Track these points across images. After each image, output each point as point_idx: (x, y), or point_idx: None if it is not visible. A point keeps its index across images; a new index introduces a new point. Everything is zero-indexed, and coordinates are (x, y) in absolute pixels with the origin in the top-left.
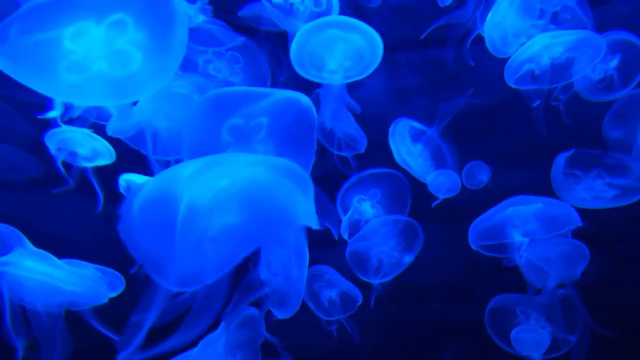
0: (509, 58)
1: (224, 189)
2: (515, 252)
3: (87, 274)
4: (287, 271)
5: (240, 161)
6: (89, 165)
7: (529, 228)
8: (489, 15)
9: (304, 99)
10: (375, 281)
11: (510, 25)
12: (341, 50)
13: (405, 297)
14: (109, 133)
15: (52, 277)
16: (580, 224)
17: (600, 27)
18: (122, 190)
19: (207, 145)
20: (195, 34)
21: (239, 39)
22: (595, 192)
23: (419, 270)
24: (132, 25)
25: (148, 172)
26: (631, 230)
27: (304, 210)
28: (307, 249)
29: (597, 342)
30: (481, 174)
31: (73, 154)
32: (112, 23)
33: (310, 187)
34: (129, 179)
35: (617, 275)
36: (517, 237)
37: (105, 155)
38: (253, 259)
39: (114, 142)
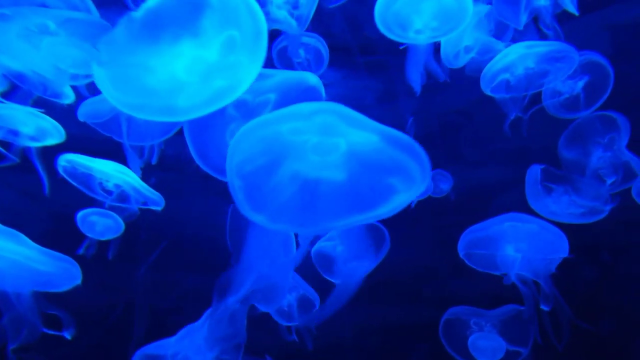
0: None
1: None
2: (507, 267)
3: (60, 256)
4: (273, 261)
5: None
6: (36, 145)
7: (521, 246)
8: None
9: (312, 77)
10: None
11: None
12: (430, 9)
13: (372, 297)
14: (81, 118)
15: (23, 256)
16: (566, 256)
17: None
18: (62, 172)
19: (211, 118)
20: None
21: None
22: (562, 207)
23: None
24: (239, 39)
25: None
26: (616, 237)
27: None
28: (294, 239)
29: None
30: (443, 183)
31: (14, 133)
32: (223, 43)
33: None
34: (72, 159)
35: (602, 282)
36: (509, 251)
37: (54, 134)
38: (236, 252)
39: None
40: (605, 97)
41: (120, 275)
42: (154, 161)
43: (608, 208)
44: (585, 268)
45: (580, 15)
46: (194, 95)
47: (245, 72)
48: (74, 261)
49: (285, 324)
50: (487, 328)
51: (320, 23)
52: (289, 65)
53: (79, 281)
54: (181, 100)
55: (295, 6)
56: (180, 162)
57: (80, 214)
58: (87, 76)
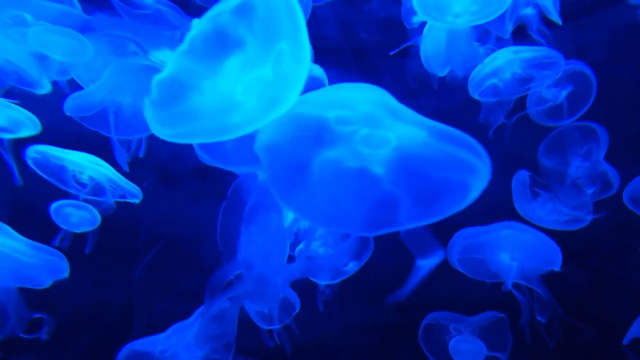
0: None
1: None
2: (502, 275)
3: (47, 248)
4: (266, 260)
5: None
6: (9, 136)
7: (516, 255)
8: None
9: (316, 68)
10: (323, 283)
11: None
12: None
13: (355, 300)
14: (67, 112)
15: (10, 248)
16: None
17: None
18: (31, 164)
19: None
20: (145, 17)
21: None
22: (547, 212)
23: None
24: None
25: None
26: (605, 243)
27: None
28: (287, 237)
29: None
30: None
31: None
32: (275, 58)
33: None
34: (43, 150)
35: (592, 287)
36: (505, 259)
37: (29, 125)
38: (227, 251)
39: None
40: (587, 107)
41: (118, 276)
42: (142, 154)
43: (590, 217)
44: (574, 273)
45: (566, 22)
46: (250, 112)
47: (295, 77)
48: (61, 254)
49: (265, 327)
50: (466, 334)
51: (313, 25)
52: None
53: (66, 274)
54: (236, 118)
55: None
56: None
57: (54, 205)
58: (75, 65)
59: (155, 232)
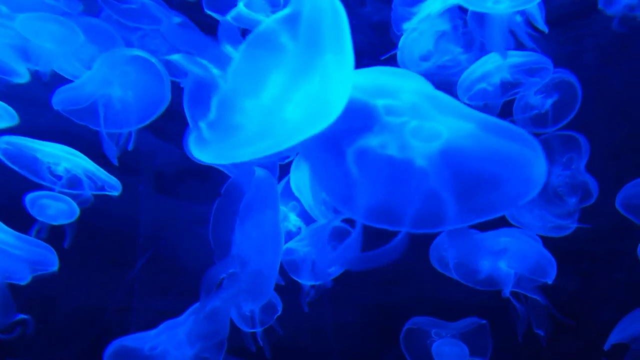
0: None
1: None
2: (503, 282)
3: (35, 241)
4: (261, 256)
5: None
6: None
7: (512, 263)
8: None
9: None
10: (308, 283)
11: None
12: None
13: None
14: (55, 106)
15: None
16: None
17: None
18: (1, 155)
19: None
20: (128, 10)
21: (176, 18)
22: (534, 218)
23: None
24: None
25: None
26: (597, 247)
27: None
28: (282, 233)
29: None
30: None
31: None
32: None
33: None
34: (15, 141)
35: (583, 292)
36: (503, 266)
37: (5, 117)
38: (219, 249)
39: None
40: (572, 116)
41: (116, 277)
42: (130, 147)
43: (574, 225)
44: (566, 276)
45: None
46: (297, 127)
47: (341, 87)
48: (50, 247)
49: (246, 329)
50: (448, 338)
51: None
52: None
53: (55, 268)
54: (284, 134)
55: (275, 4)
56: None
57: (29, 197)
58: (67, 53)
59: (154, 233)
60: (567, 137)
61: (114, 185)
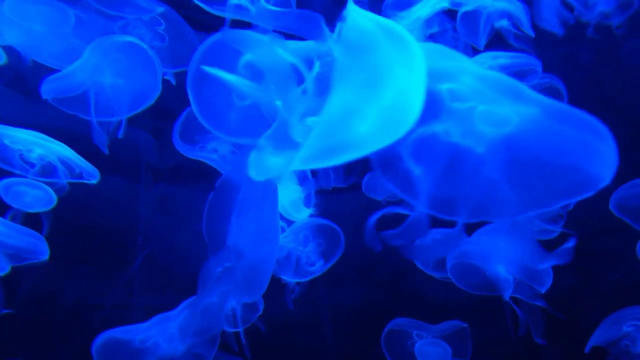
0: None
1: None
2: (502, 288)
3: (25, 230)
4: (257, 248)
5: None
6: None
7: (510, 269)
8: None
9: None
10: (293, 281)
11: None
12: None
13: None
14: (44, 95)
15: None
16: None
17: None
18: None
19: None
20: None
21: (159, 8)
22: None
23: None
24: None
25: None
26: (595, 244)
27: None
28: (279, 225)
29: None
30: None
31: None
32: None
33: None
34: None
35: (581, 289)
36: (501, 271)
37: None
38: (212, 243)
39: None
40: None
41: (115, 276)
42: (120, 135)
43: (558, 230)
44: (564, 274)
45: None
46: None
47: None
48: (40, 236)
49: (228, 329)
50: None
51: None
52: None
53: (46, 256)
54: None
55: None
56: None
57: (3, 183)
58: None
59: (153, 231)
60: None
61: (91, 173)
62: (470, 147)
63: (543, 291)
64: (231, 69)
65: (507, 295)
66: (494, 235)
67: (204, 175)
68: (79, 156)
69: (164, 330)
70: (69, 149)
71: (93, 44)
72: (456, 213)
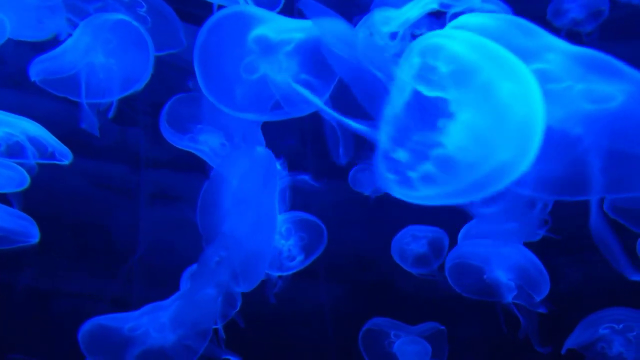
0: None
1: None
2: (502, 293)
3: (16, 212)
4: (254, 237)
5: None
6: None
7: (510, 275)
8: None
9: None
10: (275, 274)
11: None
12: None
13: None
14: (33, 76)
15: None
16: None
17: None
18: None
19: (227, 48)
20: None
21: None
22: None
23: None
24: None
25: None
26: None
27: None
28: (277, 215)
29: None
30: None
31: None
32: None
33: None
34: None
35: (586, 281)
36: (501, 276)
37: None
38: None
39: None
40: None
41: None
42: (110, 115)
43: (542, 233)
44: (568, 269)
45: None
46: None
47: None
48: (30, 218)
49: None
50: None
51: None
52: None
53: (36, 239)
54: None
55: None
56: None
57: None
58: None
59: (153, 231)
60: None
61: (64, 153)
62: (565, 128)
63: (539, 299)
64: (240, 43)
65: (505, 300)
66: (495, 240)
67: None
68: (50, 135)
69: (155, 319)
70: (39, 126)
71: (84, 23)
72: (547, 192)
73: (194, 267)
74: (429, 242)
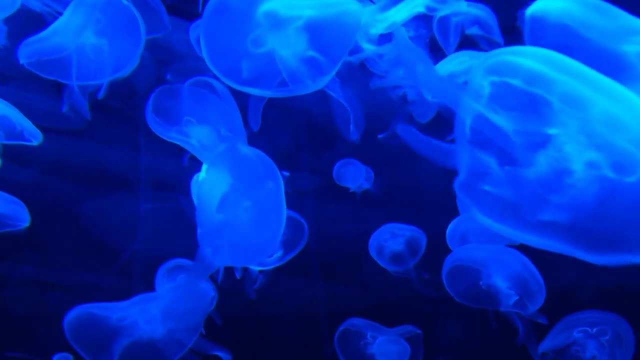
0: None
1: None
2: (500, 301)
3: (6, 196)
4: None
5: None
6: None
7: (507, 282)
8: None
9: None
10: (257, 268)
11: None
12: None
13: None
14: (22, 59)
15: None
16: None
17: None
18: None
19: (235, 21)
20: None
21: None
22: None
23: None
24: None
25: None
26: None
27: None
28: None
29: None
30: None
31: None
32: None
33: None
34: None
35: (579, 278)
36: (500, 284)
37: None
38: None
39: None
40: None
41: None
42: (100, 96)
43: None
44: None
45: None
46: None
47: None
48: (20, 202)
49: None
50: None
51: None
52: None
53: (26, 223)
54: None
55: None
56: None
57: None
58: None
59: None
60: None
61: (33, 134)
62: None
63: (534, 310)
64: (249, 17)
65: (503, 308)
66: (497, 245)
67: None
68: (20, 114)
69: (145, 310)
70: (8, 104)
71: (75, 3)
72: None
73: (173, 262)
74: (407, 241)
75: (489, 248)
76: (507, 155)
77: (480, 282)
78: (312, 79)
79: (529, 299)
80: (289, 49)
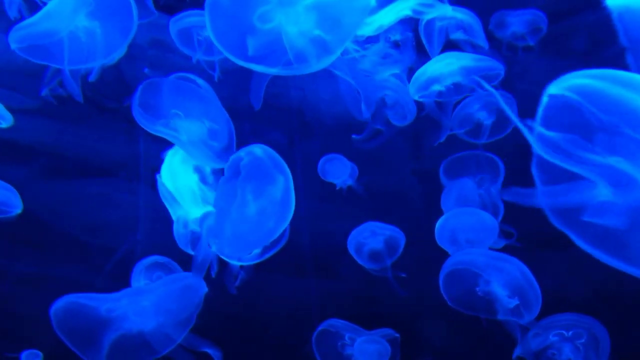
0: None
1: None
2: (497, 309)
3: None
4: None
5: None
6: None
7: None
8: None
9: None
10: (239, 263)
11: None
12: None
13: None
14: (13, 44)
15: None
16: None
17: None
18: None
19: None
20: None
21: None
22: None
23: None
24: None
25: None
26: None
27: None
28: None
29: None
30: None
31: None
32: None
33: None
34: None
35: (571, 276)
36: (499, 292)
37: None
38: None
39: None
40: (504, 134)
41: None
42: (92, 79)
43: (502, 244)
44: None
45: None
46: None
47: None
48: (13, 189)
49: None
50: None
51: None
52: None
53: (19, 210)
54: None
55: None
56: None
57: None
58: None
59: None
60: (483, 158)
61: (4, 116)
62: None
63: (530, 319)
64: None
65: (499, 317)
66: (497, 252)
67: None
68: None
69: (136, 302)
70: None
71: None
72: None
73: (151, 259)
74: (386, 240)
75: (489, 254)
76: None
77: (477, 288)
78: (317, 58)
79: (526, 308)
80: (296, 26)
